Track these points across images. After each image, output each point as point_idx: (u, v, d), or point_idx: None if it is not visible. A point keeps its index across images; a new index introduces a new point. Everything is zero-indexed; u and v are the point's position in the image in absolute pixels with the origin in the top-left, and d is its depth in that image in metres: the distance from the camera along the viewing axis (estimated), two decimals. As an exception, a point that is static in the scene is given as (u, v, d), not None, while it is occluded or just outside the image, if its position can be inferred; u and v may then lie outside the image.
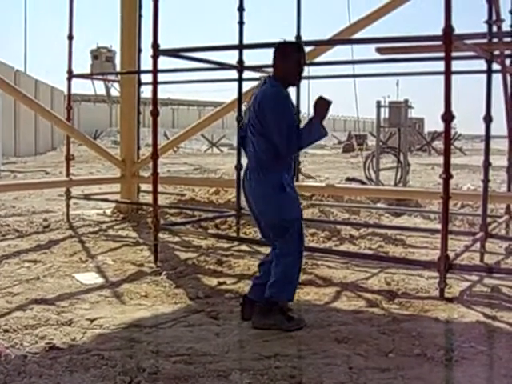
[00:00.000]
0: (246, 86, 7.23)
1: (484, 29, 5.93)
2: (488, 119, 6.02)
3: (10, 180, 14.50)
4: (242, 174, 4.55)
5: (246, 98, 5.75)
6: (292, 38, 7.32)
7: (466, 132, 50.16)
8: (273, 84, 4.17)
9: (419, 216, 9.02)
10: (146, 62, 8.41)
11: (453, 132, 32.19)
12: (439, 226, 5.31)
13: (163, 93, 42.53)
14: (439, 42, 4.88)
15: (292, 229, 4.15)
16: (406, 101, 13.68)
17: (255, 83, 4.56)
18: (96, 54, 46.88)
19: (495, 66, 6.11)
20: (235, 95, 7.52)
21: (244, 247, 6.83)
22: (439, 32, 4.78)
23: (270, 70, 4.43)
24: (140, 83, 9.32)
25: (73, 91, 9.13)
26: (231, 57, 7.21)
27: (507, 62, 6.45)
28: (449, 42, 4.74)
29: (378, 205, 9.46)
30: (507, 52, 6.34)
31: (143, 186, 9.54)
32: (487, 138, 6.17)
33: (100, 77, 24.27)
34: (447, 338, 4.02)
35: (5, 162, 20.24)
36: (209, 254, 6.53)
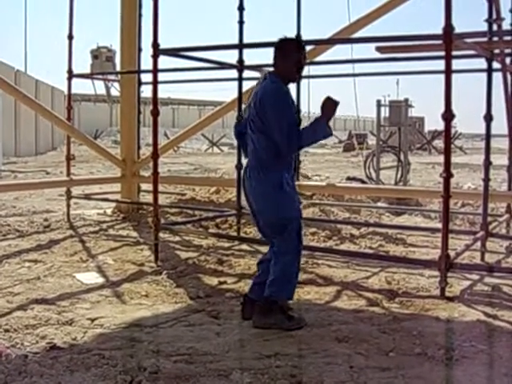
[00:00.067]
0: (246, 86, 7.23)
1: (484, 27, 5.94)
2: (488, 118, 6.02)
3: (10, 180, 14.51)
4: (242, 172, 4.55)
5: (246, 98, 5.74)
6: (292, 36, 7.31)
7: (466, 131, 50.13)
8: (273, 80, 4.17)
9: (420, 215, 9.02)
10: (146, 62, 8.43)
11: (453, 131, 32.15)
12: (440, 225, 5.32)
13: (163, 92, 42.71)
14: (439, 41, 4.88)
15: (290, 227, 4.15)
16: (407, 100, 13.69)
17: (255, 82, 4.55)
18: (96, 54, 46.89)
19: (495, 65, 6.11)
20: (235, 94, 7.52)
21: (245, 246, 6.83)
22: (439, 31, 4.78)
23: (271, 69, 4.43)
24: (140, 83, 9.32)
25: (73, 91, 9.13)
26: (231, 56, 7.22)
27: (507, 60, 6.44)
28: (449, 40, 4.73)
29: (379, 204, 9.46)
30: (507, 50, 6.33)
31: (144, 186, 9.54)
32: (488, 136, 6.17)
33: (100, 76, 24.31)
34: (448, 337, 4.02)
35: (5, 162, 20.25)
36: (209, 253, 6.53)
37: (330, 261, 6.13)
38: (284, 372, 3.37)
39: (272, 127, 4.06)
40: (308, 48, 5.13)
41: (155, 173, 6.18)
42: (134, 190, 9.33)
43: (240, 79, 7.23)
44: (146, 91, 9.61)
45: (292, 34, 7.46)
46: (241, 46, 7.07)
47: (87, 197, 9.68)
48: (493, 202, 7.67)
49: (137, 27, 9.13)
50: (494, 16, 5.97)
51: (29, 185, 10.41)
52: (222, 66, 7.65)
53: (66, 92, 9.73)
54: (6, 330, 4.04)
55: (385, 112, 15.18)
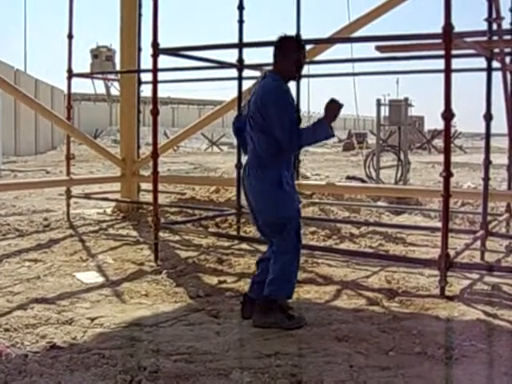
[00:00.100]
0: (246, 85, 7.23)
1: (484, 27, 5.94)
2: (488, 117, 6.02)
3: (10, 179, 14.51)
4: (241, 171, 4.55)
5: (246, 97, 5.75)
6: (292, 34, 7.31)
7: (466, 130, 50.16)
8: (274, 78, 4.17)
9: (419, 214, 9.01)
10: (146, 61, 8.43)
11: (453, 130, 32.17)
12: (440, 224, 5.32)
13: (163, 92, 42.62)
14: (439, 40, 4.88)
15: (289, 226, 4.14)
16: (406, 99, 13.70)
17: (255, 82, 4.55)
18: (96, 53, 46.79)
19: (495, 64, 6.11)
20: (235, 94, 7.51)
21: (244, 246, 6.83)
22: (439, 30, 4.78)
23: (270, 68, 4.42)
24: (140, 82, 9.32)
25: (73, 90, 9.12)
26: (231, 55, 7.21)
27: (507, 59, 6.45)
28: (449, 40, 4.73)
29: (379, 203, 9.46)
30: (507, 50, 6.33)
31: (143, 185, 9.54)
32: (487, 136, 6.17)
33: (100, 76, 24.20)
34: (448, 336, 4.02)
35: (5, 162, 20.24)
36: (209, 252, 6.53)
37: (329, 260, 6.13)
38: (284, 371, 3.37)
39: (273, 124, 4.05)
40: (308, 47, 5.12)
41: (155, 172, 6.18)
42: (133, 190, 9.33)
43: (240, 78, 7.23)
44: (146, 90, 9.63)
45: (292, 33, 7.47)
46: (240, 45, 7.07)
47: (87, 196, 9.68)
48: (493, 201, 7.67)
49: (136, 26, 9.13)
50: (494, 15, 5.97)
51: (28, 184, 10.41)
52: (222, 65, 7.65)
53: (65, 91, 9.73)
54: (6, 330, 4.04)
55: (385, 111, 15.17)
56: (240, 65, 7.11)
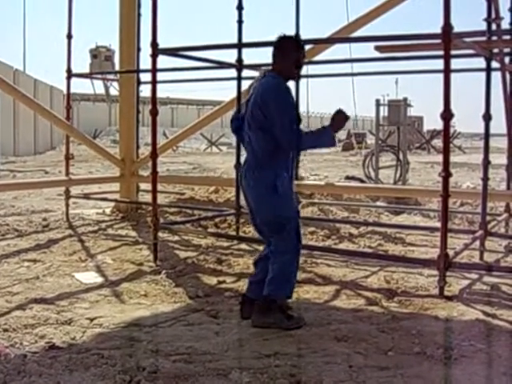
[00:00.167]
0: (245, 85, 7.20)
1: (483, 27, 5.94)
2: (487, 117, 6.02)
3: (9, 179, 14.48)
4: (240, 171, 4.55)
5: (245, 97, 5.74)
6: (291, 34, 7.32)
7: (465, 130, 50.22)
8: (274, 77, 4.18)
9: (419, 214, 9.02)
10: (145, 61, 8.38)
11: (452, 130, 32.21)
12: (439, 224, 5.32)
13: (162, 92, 42.57)
14: (438, 40, 4.88)
15: (289, 226, 4.14)
16: (405, 99, 13.70)
17: (252, 81, 4.55)
18: (95, 53, 46.79)
19: (494, 64, 6.11)
20: (234, 94, 7.51)
21: (243, 246, 6.83)
22: (438, 30, 4.78)
23: (269, 68, 4.42)
24: (139, 82, 9.32)
25: (72, 90, 9.13)
26: (230, 55, 7.21)
27: (506, 59, 6.45)
28: (448, 40, 4.74)
29: (378, 203, 9.46)
30: (506, 50, 6.34)
31: (142, 185, 9.53)
32: (486, 136, 6.18)
33: (99, 76, 24.23)
34: (447, 336, 4.02)
35: (4, 162, 20.25)
36: (208, 252, 6.53)
37: (328, 260, 6.13)
38: (283, 371, 3.37)
39: (274, 121, 4.05)
40: (307, 47, 5.12)
41: (154, 172, 6.17)
42: (132, 190, 9.33)
43: (239, 78, 7.22)
44: (145, 91, 9.67)
45: (291, 33, 7.47)
46: (240, 46, 7.07)
47: (86, 196, 9.68)
48: (492, 201, 7.68)
49: (136, 27, 9.13)
50: (493, 15, 5.97)
51: (27, 184, 10.41)
52: (221, 65, 7.65)
53: (64, 91, 9.73)
54: (5, 330, 4.03)
55: (384, 111, 15.20)
56: (239, 65, 7.11)
